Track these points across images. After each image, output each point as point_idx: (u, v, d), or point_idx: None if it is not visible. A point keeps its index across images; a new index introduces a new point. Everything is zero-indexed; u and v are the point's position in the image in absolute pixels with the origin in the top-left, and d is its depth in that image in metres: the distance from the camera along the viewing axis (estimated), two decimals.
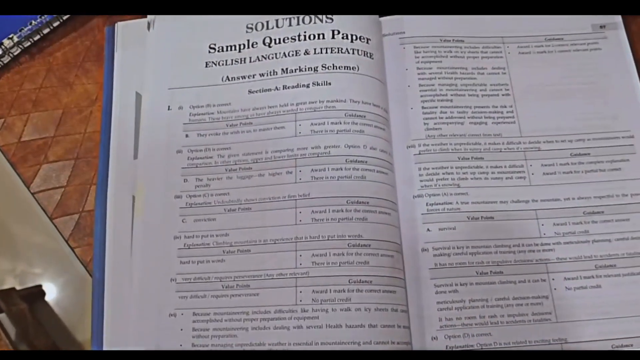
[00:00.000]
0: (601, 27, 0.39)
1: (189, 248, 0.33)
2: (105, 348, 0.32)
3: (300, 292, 0.31)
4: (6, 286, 0.36)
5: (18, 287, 0.35)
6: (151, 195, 0.34)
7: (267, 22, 0.37)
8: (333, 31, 0.36)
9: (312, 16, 0.37)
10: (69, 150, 0.37)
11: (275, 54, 0.36)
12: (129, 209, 0.34)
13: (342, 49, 0.35)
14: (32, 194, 0.36)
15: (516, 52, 0.39)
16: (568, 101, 0.37)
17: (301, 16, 0.37)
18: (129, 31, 0.38)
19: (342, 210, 0.32)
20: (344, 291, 0.31)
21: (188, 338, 0.31)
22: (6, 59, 0.39)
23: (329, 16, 0.37)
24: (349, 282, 0.31)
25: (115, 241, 0.33)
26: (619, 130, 0.36)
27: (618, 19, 0.39)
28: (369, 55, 0.36)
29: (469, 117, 0.37)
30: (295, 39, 0.36)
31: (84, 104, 0.38)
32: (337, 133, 0.34)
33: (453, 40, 0.38)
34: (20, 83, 0.38)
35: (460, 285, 0.33)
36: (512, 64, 0.38)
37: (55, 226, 0.35)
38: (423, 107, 0.37)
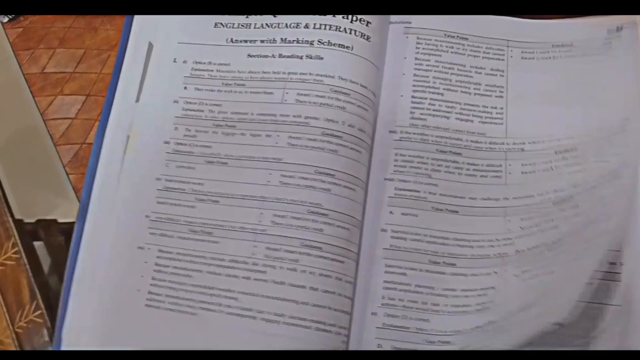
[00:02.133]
0: (618, 29, 0.38)
1: (167, 190, 0.36)
2: (77, 271, 0.35)
3: (255, 246, 0.33)
4: (49, 217, 0.40)
5: (60, 220, 0.38)
6: (144, 137, 0.37)
7: None
8: None
9: None
10: (83, 87, 0.40)
11: (278, 23, 0.38)
12: (122, 147, 0.37)
13: (340, 27, 0.37)
14: (44, 120, 0.40)
15: (519, 56, 0.39)
16: (564, 109, 0.37)
17: None
18: None
19: (308, 179, 0.34)
20: (294, 252, 0.33)
21: (149, 271, 0.34)
22: None
23: None
24: (300, 245, 0.33)
25: (105, 173, 0.36)
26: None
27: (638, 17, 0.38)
28: (365, 37, 0.37)
29: (456, 113, 0.37)
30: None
31: (104, 48, 0.41)
32: (319, 106, 0.35)
33: (457, 36, 0.39)
34: (53, 21, 0.42)
35: (410, 269, 0.34)
36: (512, 68, 0.38)
37: (58, 152, 0.39)
38: (413, 97, 0.37)
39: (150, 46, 0.39)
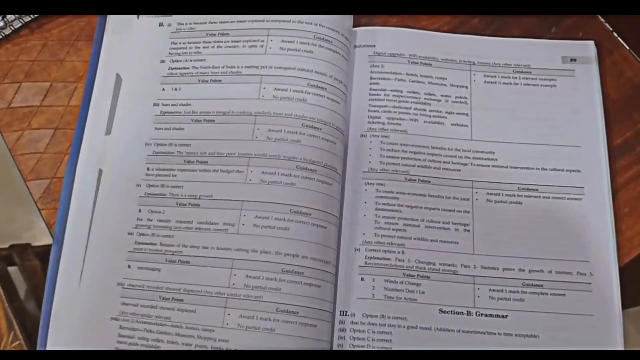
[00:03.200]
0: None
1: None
2: (54, 308, 0.35)
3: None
4: (23, 241, 0.40)
5: (34, 244, 0.38)
6: (116, 171, 0.37)
7: None
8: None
9: None
10: (51, 120, 0.40)
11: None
12: (95, 181, 0.37)
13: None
14: (13, 155, 0.39)
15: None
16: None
17: None
18: (119, 17, 0.41)
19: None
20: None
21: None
22: (7, 31, 0.42)
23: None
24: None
25: (78, 208, 0.36)
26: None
27: (591, 52, 0.40)
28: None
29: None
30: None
31: (70, 79, 0.41)
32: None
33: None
34: (17, 54, 0.42)
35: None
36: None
37: (28, 188, 0.38)
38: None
39: (119, 78, 0.39)
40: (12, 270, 0.68)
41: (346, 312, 0.35)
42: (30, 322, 0.65)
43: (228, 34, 0.39)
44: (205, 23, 0.40)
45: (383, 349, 0.34)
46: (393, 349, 0.34)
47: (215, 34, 0.39)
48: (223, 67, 0.38)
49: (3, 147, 0.39)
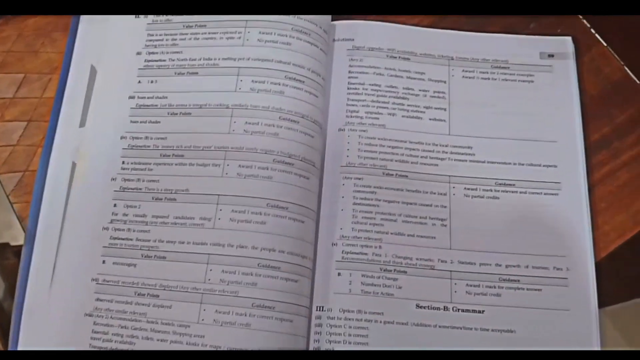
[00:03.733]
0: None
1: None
2: (26, 304, 0.34)
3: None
4: (1, 240, 0.38)
5: (12, 243, 0.37)
6: (92, 164, 0.36)
7: None
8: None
9: None
10: (24, 112, 0.39)
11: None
12: (68, 174, 0.36)
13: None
14: None
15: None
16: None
17: None
18: None
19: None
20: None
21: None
22: None
23: None
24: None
25: (51, 202, 0.36)
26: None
27: (569, 48, 0.41)
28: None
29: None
30: None
31: (45, 71, 0.40)
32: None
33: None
34: None
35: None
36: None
37: (0, 181, 0.37)
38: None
39: (93, 69, 0.39)
40: None
41: (323, 307, 0.34)
42: (8, 321, 0.64)
43: (205, 25, 0.39)
44: (182, 15, 0.39)
45: (360, 344, 0.34)
46: (370, 344, 0.34)
47: (192, 26, 0.39)
48: (200, 59, 0.38)
49: None
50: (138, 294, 0.34)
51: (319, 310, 0.34)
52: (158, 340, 0.33)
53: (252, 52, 0.37)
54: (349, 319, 0.34)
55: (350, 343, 0.34)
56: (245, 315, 0.32)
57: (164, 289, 0.33)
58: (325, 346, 0.34)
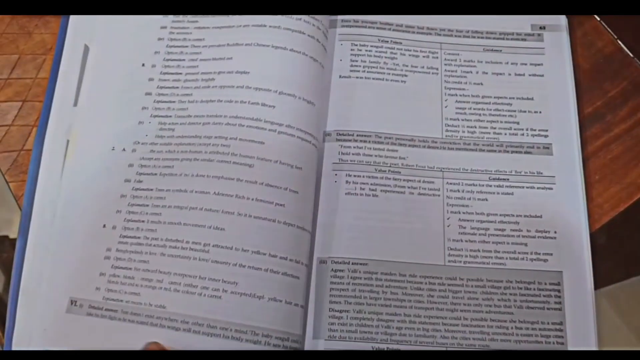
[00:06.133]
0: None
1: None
2: (23, 281, 0.34)
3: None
4: (0, 233, 0.39)
5: (11, 236, 0.37)
6: (84, 141, 0.37)
7: None
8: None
9: None
10: (19, 93, 0.39)
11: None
12: (62, 151, 0.36)
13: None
14: None
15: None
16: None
17: None
18: None
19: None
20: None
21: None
22: None
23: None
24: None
25: (46, 179, 0.36)
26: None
27: (562, 21, 0.41)
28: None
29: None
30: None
31: (38, 52, 0.40)
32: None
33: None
34: None
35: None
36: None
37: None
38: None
39: (87, 48, 0.39)
40: None
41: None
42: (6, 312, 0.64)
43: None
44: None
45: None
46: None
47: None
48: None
49: None
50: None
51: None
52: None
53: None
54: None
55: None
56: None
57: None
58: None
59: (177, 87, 0.37)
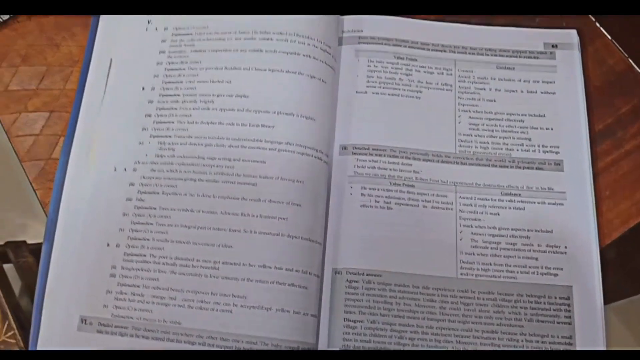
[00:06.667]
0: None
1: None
2: (48, 286, 0.35)
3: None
4: (18, 239, 0.40)
5: (29, 241, 0.38)
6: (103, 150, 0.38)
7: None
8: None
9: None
10: (47, 103, 0.41)
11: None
12: (88, 161, 0.38)
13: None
14: (9, 137, 0.40)
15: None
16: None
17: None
18: None
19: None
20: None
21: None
22: (5, 17, 0.43)
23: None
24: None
25: (72, 188, 0.37)
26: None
27: (574, 39, 0.42)
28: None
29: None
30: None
31: (66, 64, 0.42)
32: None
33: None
34: (15, 39, 0.43)
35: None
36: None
37: (24, 169, 0.39)
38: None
39: (111, 62, 0.40)
40: (7, 267, 0.68)
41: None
42: (25, 317, 0.66)
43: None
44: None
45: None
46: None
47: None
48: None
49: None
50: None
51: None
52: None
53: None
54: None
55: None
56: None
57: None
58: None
59: (176, 109, 0.38)
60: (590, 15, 0.43)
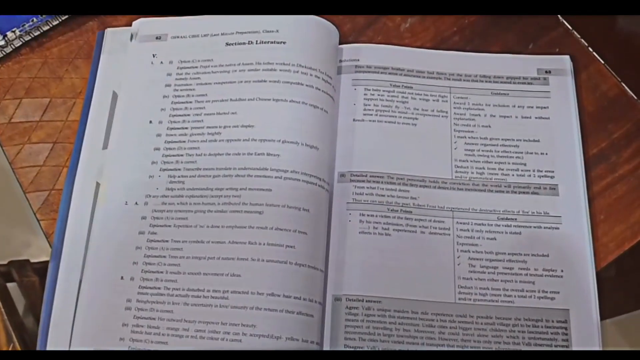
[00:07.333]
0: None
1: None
2: (52, 318, 0.36)
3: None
4: (21, 257, 0.40)
5: (32, 260, 0.39)
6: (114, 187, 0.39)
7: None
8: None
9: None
10: (50, 134, 0.42)
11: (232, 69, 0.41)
12: (92, 193, 0.39)
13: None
14: (13, 169, 0.41)
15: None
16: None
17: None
18: (115, 38, 0.43)
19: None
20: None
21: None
22: (8, 49, 0.44)
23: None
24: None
25: (76, 219, 0.38)
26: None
27: (567, 65, 0.42)
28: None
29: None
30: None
31: (69, 96, 0.43)
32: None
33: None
34: (18, 72, 0.44)
35: None
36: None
37: (27, 200, 0.40)
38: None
39: (115, 95, 0.41)
40: (11, 286, 0.69)
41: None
42: (29, 336, 0.66)
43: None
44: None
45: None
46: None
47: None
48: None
49: (4, 161, 0.41)
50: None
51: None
52: None
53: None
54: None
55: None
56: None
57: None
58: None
59: (184, 142, 0.39)
60: (583, 41, 0.44)
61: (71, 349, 0.35)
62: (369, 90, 0.42)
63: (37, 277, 0.73)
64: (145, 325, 0.35)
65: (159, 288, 0.36)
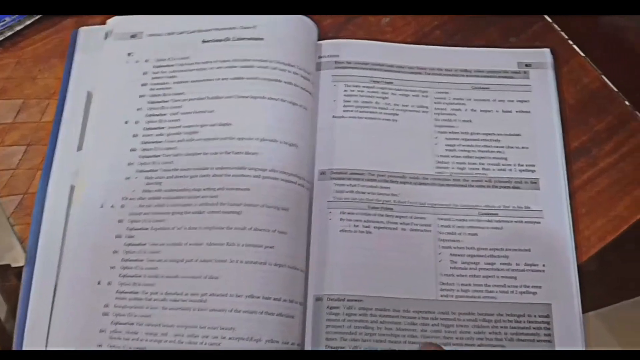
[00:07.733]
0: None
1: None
2: (28, 323, 0.35)
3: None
4: (2, 262, 0.40)
5: (13, 265, 0.38)
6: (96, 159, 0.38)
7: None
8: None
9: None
10: (24, 136, 0.41)
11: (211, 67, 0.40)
12: (67, 196, 0.38)
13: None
14: None
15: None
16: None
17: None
18: (89, 36, 0.42)
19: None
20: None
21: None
22: None
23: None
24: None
25: (51, 222, 0.37)
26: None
27: (547, 58, 0.42)
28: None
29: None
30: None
31: (43, 96, 0.42)
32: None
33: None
34: None
35: None
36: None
37: (0, 204, 0.39)
38: None
39: (89, 95, 0.40)
40: None
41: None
42: (10, 342, 0.65)
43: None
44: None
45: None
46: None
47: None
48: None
49: None
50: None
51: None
52: None
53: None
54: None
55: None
56: None
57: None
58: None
59: (161, 142, 0.38)
60: (564, 34, 0.43)
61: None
62: (349, 86, 0.41)
63: (18, 281, 0.72)
64: (124, 331, 0.34)
65: (137, 292, 0.35)
